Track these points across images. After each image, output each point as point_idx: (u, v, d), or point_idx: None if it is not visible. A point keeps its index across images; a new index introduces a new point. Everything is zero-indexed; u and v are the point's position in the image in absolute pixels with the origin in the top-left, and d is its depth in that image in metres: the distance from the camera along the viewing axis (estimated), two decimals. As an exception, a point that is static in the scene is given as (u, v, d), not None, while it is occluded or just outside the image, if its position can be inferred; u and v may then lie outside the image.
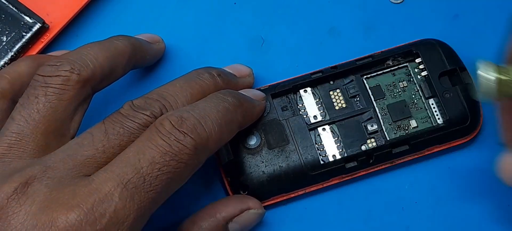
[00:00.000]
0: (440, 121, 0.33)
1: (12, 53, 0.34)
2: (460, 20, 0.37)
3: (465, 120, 0.33)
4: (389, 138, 0.33)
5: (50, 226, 0.22)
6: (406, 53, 0.34)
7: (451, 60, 0.34)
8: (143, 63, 0.34)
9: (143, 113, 0.26)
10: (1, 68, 0.33)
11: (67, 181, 0.23)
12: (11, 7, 0.35)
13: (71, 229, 0.22)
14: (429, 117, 0.33)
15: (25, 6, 0.35)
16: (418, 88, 0.34)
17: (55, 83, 0.26)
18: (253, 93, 0.32)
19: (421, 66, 0.34)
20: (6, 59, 0.34)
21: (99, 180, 0.23)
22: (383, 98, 0.34)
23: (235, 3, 0.38)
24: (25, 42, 0.34)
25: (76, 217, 0.22)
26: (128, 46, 0.30)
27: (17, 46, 0.34)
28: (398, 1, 0.38)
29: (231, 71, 0.33)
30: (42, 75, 0.27)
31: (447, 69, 0.34)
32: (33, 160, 0.25)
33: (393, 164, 0.33)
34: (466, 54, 0.36)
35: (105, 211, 0.22)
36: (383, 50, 0.35)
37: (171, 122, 0.25)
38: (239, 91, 0.31)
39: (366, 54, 0.35)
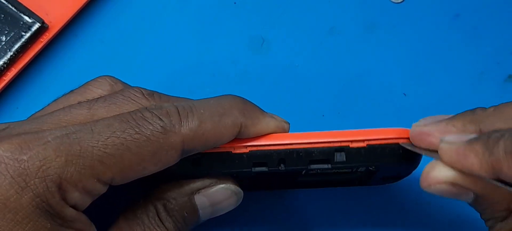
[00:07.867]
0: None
1: (11, 53, 0.34)
2: (460, 20, 0.37)
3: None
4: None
5: None
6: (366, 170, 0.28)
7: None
8: None
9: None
10: (1, 67, 0.33)
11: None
12: (10, 6, 0.34)
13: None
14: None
15: (24, 6, 0.34)
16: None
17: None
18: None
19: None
20: (5, 59, 0.34)
21: (52, 130, 0.23)
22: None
23: (235, 3, 0.38)
24: (24, 42, 0.34)
25: (6, 147, 0.22)
26: None
27: (16, 46, 0.34)
28: (398, 1, 0.38)
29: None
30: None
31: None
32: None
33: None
34: (466, 54, 0.36)
35: (34, 146, 0.22)
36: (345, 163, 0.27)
37: (148, 109, 0.24)
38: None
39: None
